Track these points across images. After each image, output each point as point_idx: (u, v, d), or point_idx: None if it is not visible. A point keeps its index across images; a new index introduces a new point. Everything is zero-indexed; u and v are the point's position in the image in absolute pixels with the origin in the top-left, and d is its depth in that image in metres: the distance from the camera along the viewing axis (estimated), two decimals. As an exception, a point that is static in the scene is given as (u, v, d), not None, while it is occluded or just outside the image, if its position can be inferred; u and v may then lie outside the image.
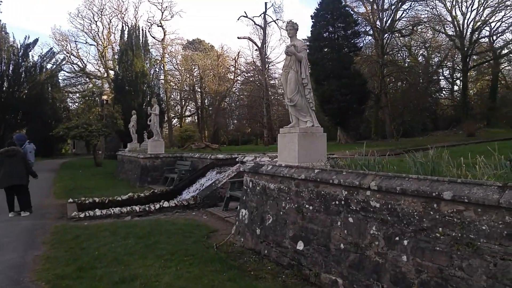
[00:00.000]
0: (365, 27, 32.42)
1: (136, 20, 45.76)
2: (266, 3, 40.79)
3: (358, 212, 4.23)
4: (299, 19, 79.62)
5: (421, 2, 35.99)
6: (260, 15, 40.62)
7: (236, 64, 53.90)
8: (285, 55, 6.61)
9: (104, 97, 35.25)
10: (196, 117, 58.96)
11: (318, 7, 25.15)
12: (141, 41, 34.47)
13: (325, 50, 24.54)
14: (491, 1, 40.67)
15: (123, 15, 45.61)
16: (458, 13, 42.54)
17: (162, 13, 46.96)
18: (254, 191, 6.61)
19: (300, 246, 5.08)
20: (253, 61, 46.06)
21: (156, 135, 16.90)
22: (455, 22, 42.75)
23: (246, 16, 41.64)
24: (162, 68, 46.06)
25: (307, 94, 6.40)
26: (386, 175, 3.96)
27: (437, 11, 41.71)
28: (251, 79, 53.73)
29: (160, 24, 47.47)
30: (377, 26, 31.36)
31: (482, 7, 41.49)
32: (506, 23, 41.38)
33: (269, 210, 6.03)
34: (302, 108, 6.41)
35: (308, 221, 5.05)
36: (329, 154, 13.29)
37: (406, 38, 39.73)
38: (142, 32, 35.50)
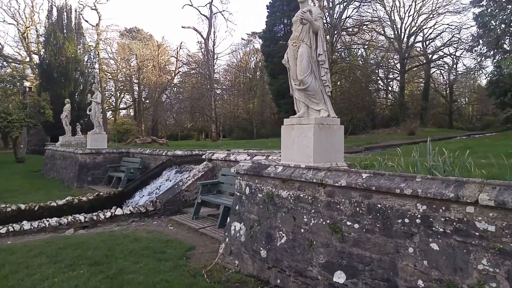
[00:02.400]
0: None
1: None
2: (212, -8, 38.64)
3: (448, 236, 2.98)
4: (251, 10, 78.47)
5: (367, 3, 36.93)
6: (206, 5, 38.59)
7: (178, 55, 51.17)
8: (295, 24, 5.22)
9: (27, 83, 30.80)
10: (132, 110, 55.06)
11: (275, -5, 24.07)
12: (73, 22, 30.53)
13: (281, 42, 23.52)
14: (425, 9, 43.38)
15: (49, -7, 40.34)
16: (397, 17, 44.69)
17: (97, -5, 42.49)
18: (253, 199, 5.12)
19: (339, 278, 3.72)
20: (202, 51, 43.84)
21: (97, 127, 14.41)
22: (394, 26, 44.87)
23: (191, 5, 39.27)
24: (97, 55, 41.83)
25: (323, 75, 5.08)
26: (506, 184, 2.75)
27: (377, 13, 43.41)
28: (192, 71, 51.46)
29: (94, 7, 42.97)
30: (327, 22, 31.20)
31: (417, 14, 44.09)
32: (437, 30, 44.43)
33: (280, 225, 4.59)
34: (316, 93, 5.08)
35: (352, 244, 3.71)
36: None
37: (347, 38, 40.54)
38: (75, 13, 31.54)
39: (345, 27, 33.51)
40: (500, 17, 28.83)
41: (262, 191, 4.98)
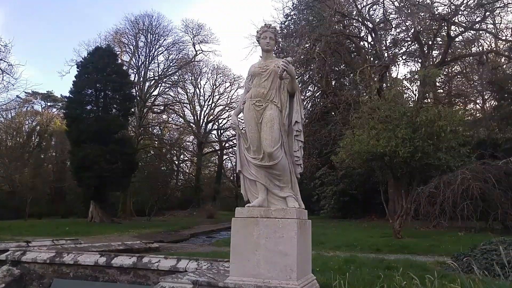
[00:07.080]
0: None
1: None
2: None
3: None
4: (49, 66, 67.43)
5: (172, 86, 38.56)
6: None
7: None
8: (258, 77, 3.77)
9: None
10: None
11: (87, 56, 20.88)
12: None
13: (89, 107, 20.14)
14: (221, 101, 48.79)
15: None
16: (197, 104, 48.09)
17: None
18: None
19: None
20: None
21: None
22: (194, 111, 47.84)
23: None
24: None
25: (296, 150, 3.71)
26: None
27: (179, 98, 45.64)
28: None
29: None
30: (137, 95, 29.95)
31: (214, 104, 48.90)
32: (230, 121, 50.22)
33: None
34: (284, 173, 3.60)
35: None
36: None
37: (153, 115, 40.25)
38: None
39: (153, 104, 33.05)
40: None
41: None
